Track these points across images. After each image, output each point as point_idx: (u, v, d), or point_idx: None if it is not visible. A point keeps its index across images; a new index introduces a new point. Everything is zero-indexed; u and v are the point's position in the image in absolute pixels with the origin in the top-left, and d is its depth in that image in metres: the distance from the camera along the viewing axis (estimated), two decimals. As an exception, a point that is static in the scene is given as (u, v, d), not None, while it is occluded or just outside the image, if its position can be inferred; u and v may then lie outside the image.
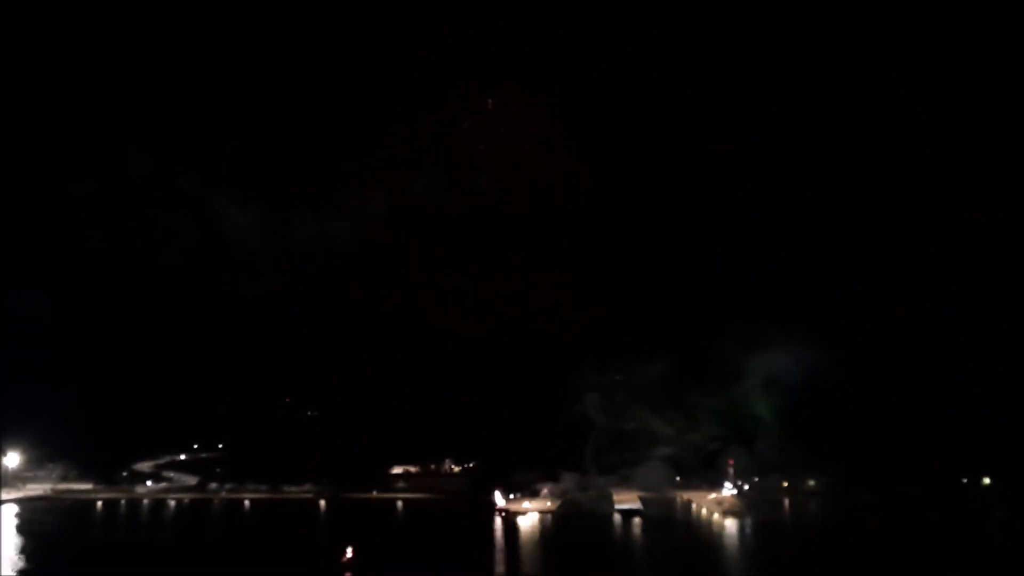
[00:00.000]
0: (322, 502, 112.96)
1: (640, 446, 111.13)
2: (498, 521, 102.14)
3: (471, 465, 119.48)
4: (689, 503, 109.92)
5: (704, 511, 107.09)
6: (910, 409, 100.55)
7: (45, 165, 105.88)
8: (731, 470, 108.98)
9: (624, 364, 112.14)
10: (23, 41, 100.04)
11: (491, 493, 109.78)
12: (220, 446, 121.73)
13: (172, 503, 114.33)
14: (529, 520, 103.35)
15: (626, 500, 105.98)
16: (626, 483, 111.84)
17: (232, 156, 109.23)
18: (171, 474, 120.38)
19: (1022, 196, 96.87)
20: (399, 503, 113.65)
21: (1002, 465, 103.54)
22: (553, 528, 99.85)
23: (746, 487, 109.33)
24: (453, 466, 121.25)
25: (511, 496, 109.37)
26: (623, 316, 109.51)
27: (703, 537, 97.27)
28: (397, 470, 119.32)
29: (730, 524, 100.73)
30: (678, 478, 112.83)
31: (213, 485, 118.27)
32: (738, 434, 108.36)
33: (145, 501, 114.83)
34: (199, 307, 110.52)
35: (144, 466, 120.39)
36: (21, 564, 78.80)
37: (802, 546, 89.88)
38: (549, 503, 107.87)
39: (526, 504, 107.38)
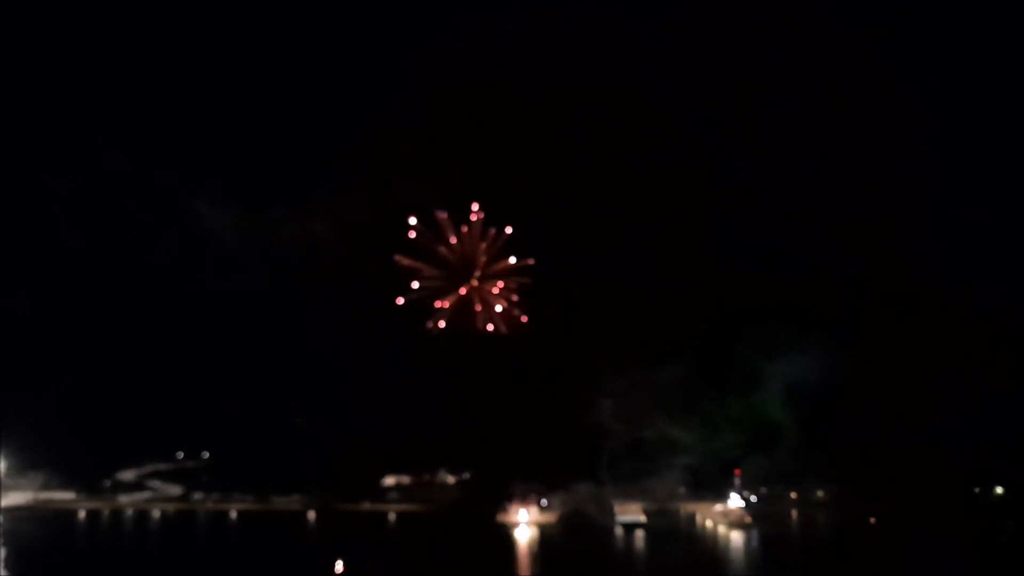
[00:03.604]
0: (311, 513, 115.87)
1: (656, 454, 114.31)
2: (494, 534, 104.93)
3: (467, 476, 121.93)
4: (694, 515, 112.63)
5: (710, 523, 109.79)
6: (920, 416, 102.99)
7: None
8: (738, 481, 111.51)
9: (639, 367, 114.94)
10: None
11: (487, 505, 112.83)
12: (206, 455, 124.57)
13: (156, 513, 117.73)
14: (526, 533, 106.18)
15: (629, 512, 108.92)
16: (630, 494, 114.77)
17: (219, 152, 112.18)
18: (155, 483, 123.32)
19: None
20: (391, 515, 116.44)
21: (1015, 475, 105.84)
22: (551, 541, 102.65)
23: (753, 498, 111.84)
24: (448, 476, 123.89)
25: (508, 508, 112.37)
26: (637, 318, 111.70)
27: (707, 551, 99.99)
28: (389, 480, 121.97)
29: (736, 537, 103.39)
30: (682, 489, 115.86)
31: (198, 495, 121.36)
32: (757, 441, 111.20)
33: (129, 511, 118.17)
34: (183, 312, 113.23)
35: (128, 475, 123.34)
36: (4, 574, 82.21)
37: (809, 560, 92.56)
38: (548, 515, 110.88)
39: (524, 516, 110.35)
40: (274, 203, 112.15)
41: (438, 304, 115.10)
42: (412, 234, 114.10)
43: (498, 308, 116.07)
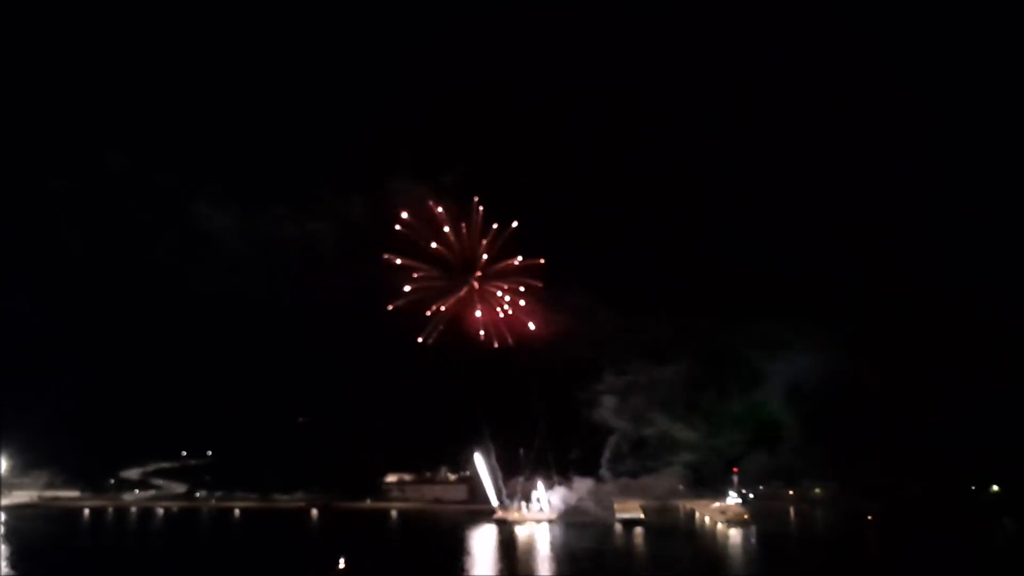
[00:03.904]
0: (314, 511, 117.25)
1: (658, 452, 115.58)
2: (495, 531, 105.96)
3: (468, 473, 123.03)
4: (692, 512, 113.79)
5: (708, 520, 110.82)
6: (919, 416, 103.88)
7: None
8: (736, 478, 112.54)
9: (641, 366, 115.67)
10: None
11: (488, 502, 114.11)
12: (209, 453, 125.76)
13: (160, 511, 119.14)
14: (527, 530, 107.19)
15: (627, 509, 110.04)
16: (630, 491, 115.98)
17: (220, 152, 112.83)
18: (159, 481, 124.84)
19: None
20: (393, 512, 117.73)
21: (1011, 472, 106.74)
22: (551, 538, 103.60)
23: (750, 496, 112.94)
24: (449, 474, 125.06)
25: (509, 505, 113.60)
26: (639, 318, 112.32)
27: (705, 548, 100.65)
28: (391, 478, 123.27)
29: (734, 534, 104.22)
30: (682, 487, 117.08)
31: (202, 493, 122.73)
32: (757, 439, 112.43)
33: (133, 509, 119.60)
34: (186, 312, 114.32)
35: (132, 473, 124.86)
36: (8, 572, 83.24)
37: (806, 558, 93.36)
38: (548, 513, 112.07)
39: (524, 513, 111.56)
40: (275, 204, 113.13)
41: (434, 309, 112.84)
42: (402, 229, 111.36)
43: (500, 313, 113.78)
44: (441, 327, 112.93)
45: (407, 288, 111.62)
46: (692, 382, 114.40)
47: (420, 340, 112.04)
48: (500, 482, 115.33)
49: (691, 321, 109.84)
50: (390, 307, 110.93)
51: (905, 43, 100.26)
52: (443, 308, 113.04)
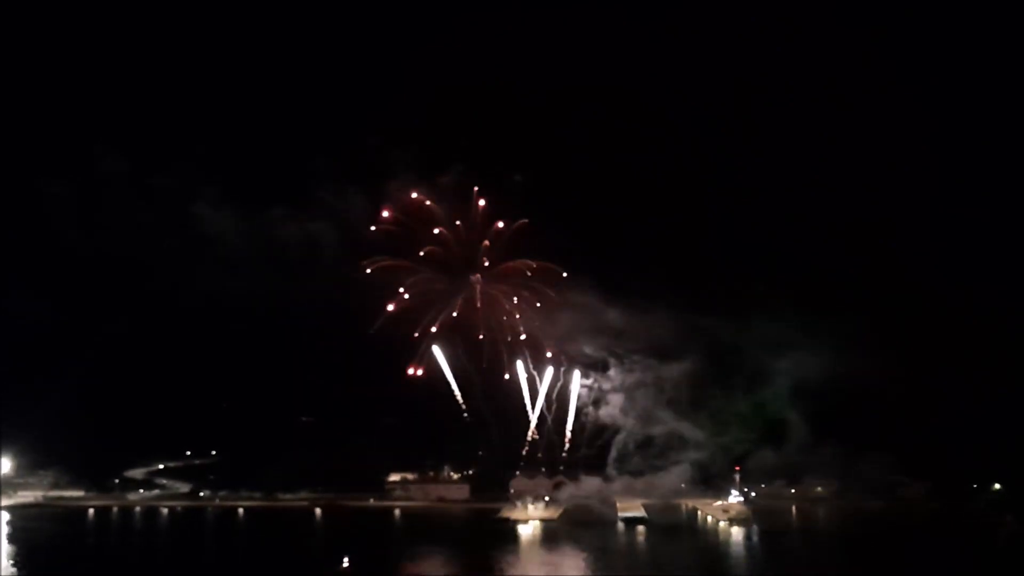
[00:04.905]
0: (317, 510, 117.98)
1: (662, 450, 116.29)
2: (498, 530, 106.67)
3: (471, 472, 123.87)
4: (695, 511, 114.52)
5: (710, 519, 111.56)
6: (918, 413, 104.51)
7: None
8: (738, 477, 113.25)
9: (647, 364, 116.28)
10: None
11: (491, 501, 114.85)
12: (213, 452, 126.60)
13: (165, 511, 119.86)
14: (530, 528, 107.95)
15: (630, 508, 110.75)
16: (634, 490, 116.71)
17: (228, 154, 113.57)
18: (164, 481, 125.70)
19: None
20: (397, 511, 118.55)
21: (1013, 470, 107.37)
22: (554, 537, 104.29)
23: (752, 494, 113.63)
24: (452, 473, 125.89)
25: (512, 504, 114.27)
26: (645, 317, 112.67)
27: (706, 546, 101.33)
28: (394, 477, 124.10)
29: (736, 532, 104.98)
30: (684, 485, 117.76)
31: (206, 492, 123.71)
32: (760, 438, 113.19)
33: (137, 508, 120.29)
34: (191, 311, 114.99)
35: (136, 473, 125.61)
36: (12, 572, 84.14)
37: (807, 556, 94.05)
38: (551, 511, 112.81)
39: (527, 512, 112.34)
40: (276, 203, 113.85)
41: (423, 329, 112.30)
42: (394, 227, 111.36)
43: (509, 336, 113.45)
44: (433, 349, 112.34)
45: (389, 309, 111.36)
46: (698, 380, 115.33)
47: (410, 371, 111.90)
48: (506, 481, 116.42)
49: (696, 320, 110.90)
50: (371, 331, 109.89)
51: (905, 43, 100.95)
52: (434, 329, 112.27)
